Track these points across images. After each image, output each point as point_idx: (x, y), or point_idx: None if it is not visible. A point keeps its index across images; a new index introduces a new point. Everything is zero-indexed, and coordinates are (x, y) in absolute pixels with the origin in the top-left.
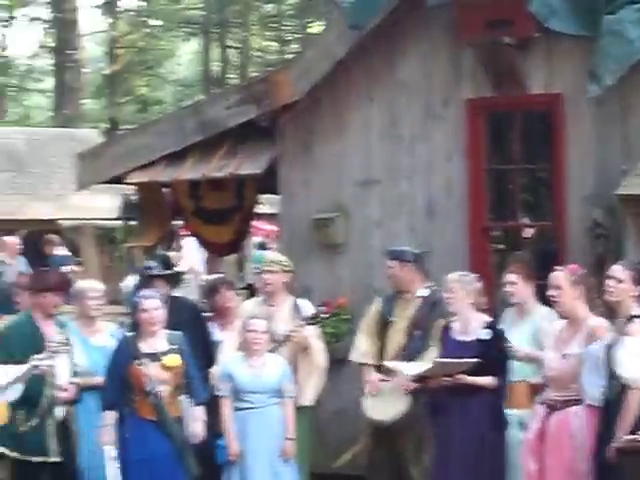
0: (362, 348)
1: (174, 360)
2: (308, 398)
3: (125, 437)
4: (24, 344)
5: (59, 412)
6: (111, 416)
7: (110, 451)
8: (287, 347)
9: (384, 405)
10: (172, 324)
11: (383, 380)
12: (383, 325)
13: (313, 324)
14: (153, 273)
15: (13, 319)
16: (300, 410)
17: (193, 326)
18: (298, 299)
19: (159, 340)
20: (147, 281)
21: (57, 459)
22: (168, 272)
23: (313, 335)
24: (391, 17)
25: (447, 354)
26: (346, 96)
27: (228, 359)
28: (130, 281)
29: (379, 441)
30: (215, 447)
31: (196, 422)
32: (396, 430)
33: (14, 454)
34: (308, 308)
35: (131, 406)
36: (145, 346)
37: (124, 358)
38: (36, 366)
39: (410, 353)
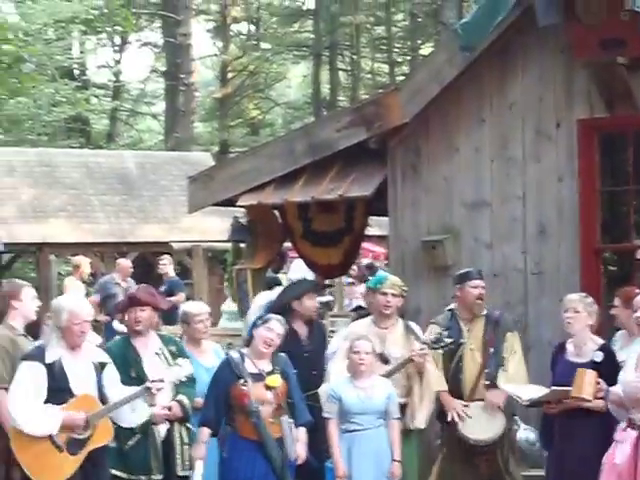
0: (434, 375)
1: (276, 380)
2: (421, 422)
3: (225, 457)
4: (124, 366)
5: (163, 430)
6: (206, 433)
7: (199, 467)
8: (402, 370)
9: (479, 425)
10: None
11: (465, 405)
12: (452, 350)
13: (435, 348)
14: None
15: (114, 341)
16: (411, 433)
17: (324, 348)
18: (409, 322)
19: (264, 361)
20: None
21: (159, 477)
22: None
23: (429, 359)
24: (502, 38)
25: (560, 375)
26: (456, 118)
27: (335, 381)
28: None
29: (462, 460)
30: (323, 469)
31: (299, 444)
32: (486, 449)
33: (123, 474)
34: (419, 331)
35: (232, 425)
36: (250, 366)
37: (228, 377)
38: (149, 388)
39: (491, 371)
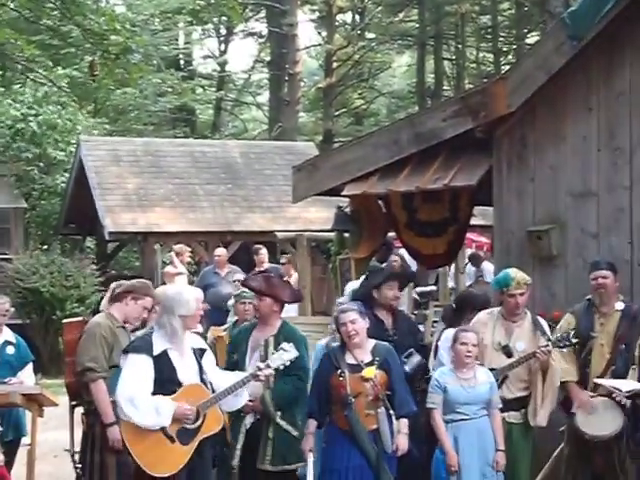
0: (563, 366)
1: (371, 372)
2: (542, 420)
3: (323, 446)
4: (241, 350)
5: (247, 421)
6: (313, 424)
7: (310, 458)
8: (524, 365)
9: (599, 420)
10: (396, 334)
11: (592, 396)
12: (582, 341)
13: (560, 347)
14: (395, 271)
15: (241, 327)
16: (530, 428)
17: (413, 338)
18: (537, 316)
19: (363, 351)
20: (388, 279)
21: (235, 463)
22: (406, 273)
23: (553, 357)
24: (610, 27)
25: None
26: (563, 107)
27: (438, 372)
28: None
29: (580, 453)
30: (431, 459)
31: (400, 435)
32: (602, 445)
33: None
34: (546, 327)
35: (331, 416)
36: (350, 357)
37: (328, 368)
38: (256, 375)
39: (618, 368)
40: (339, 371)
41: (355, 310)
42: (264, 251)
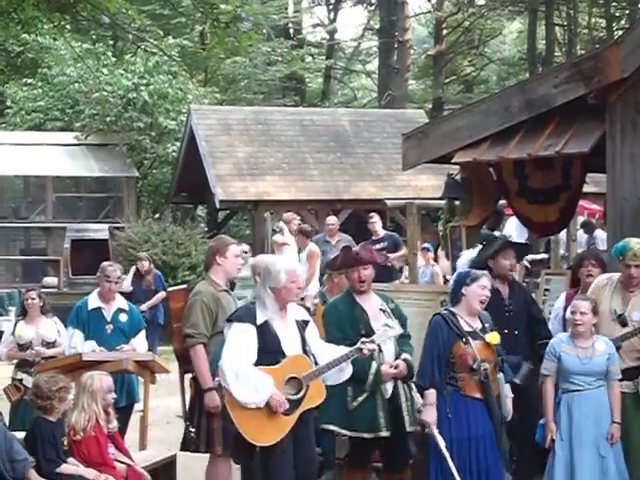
0: None
1: (495, 337)
2: None
3: (448, 416)
4: (344, 322)
5: (388, 388)
6: (434, 394)
7: (435, 431)
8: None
9: None
10: (512, 304)
11: None
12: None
13: None
14: (510, 240)
15: (338, 299)
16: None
17: (527, 308)
18: None
19: (474, 318)
20: (503, 248)
21: (387, 434)
22: (520, 242)
23: None
24: None
25: None
26: None
27: (556, 339)
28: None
29: None
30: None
31: (508, 399)
32: None
33: (347, 432)
34: None
35: (455, 385)
36: (464, 324)
37: (448, 336)
38: (360, 349)
39: None
40: (464, 339)
41: (487, 276)
42: (377, 219)
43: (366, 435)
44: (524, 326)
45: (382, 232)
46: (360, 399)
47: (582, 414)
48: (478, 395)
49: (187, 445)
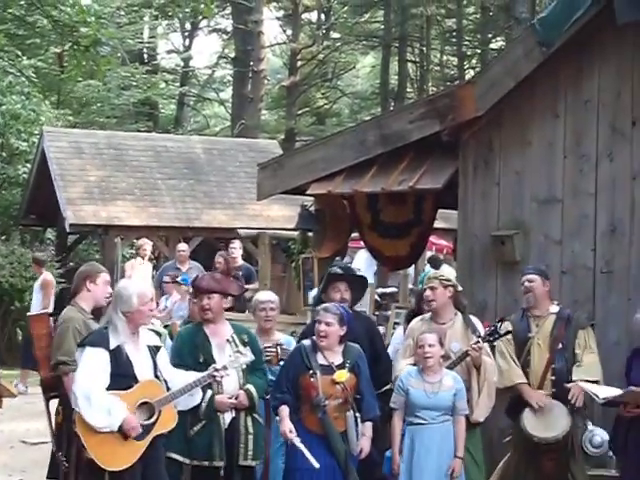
0: (511, 369)
1: (343, 375)
2: (479, 415)
3: (288, 446)
4: (192, 351)
5: (227, 418)
6: (286, 410)
7: (298, 441)
8: (460, 365)
9: (545, 423)
10: (350, 337)
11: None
12: (521, 344)
13: (490, 341)
14: (337, 272)
15: (186, 327)
16: (475, 426)
17: (368, 340)
18: (470, 315)
19: (335, 353)
20: (330, 282)
21: (220, 464)
22: (353, 274)
23: (486, 353)
24: (580, 34)
25: (638, 379)
26: (530, 113)
27: (405, 373)
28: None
29: (528, 459)
30: (383, 459)
31: (364, 438)
32: (550, 447)
33: (184, 459)
34: (479, 325)
35: (298, 415)
36: (321, 357)
37: (298, 366)
38: (212, 375)
39: (559, 367)
40: (311, 371)
41: (337, 314)
42: (238, 245)
43: (205, 463)
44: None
45: (240, 262)
46: (196, 428)
47: (424, 447)
48: (317, 429)
49: (54, 473)
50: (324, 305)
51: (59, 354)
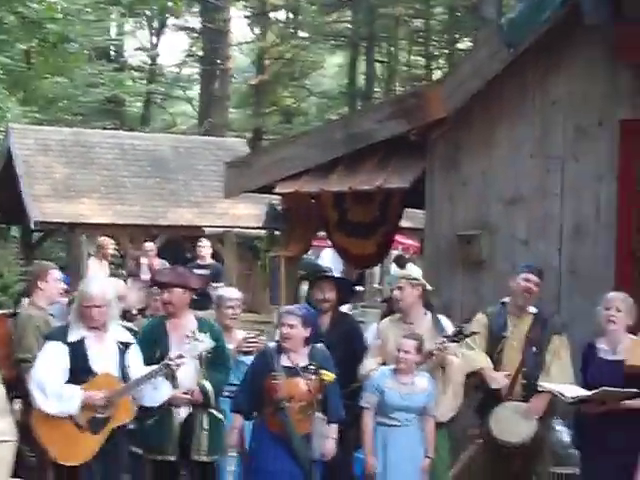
0: (476, 354)
1: (329, 375)
2: (443, 414)
3: (251, 446)
4: (150, 346)
5: (183, 413)
6: (239, 419)
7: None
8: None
9: (511, 427)
10: (330, 338)
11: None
12: (494, 341)
13: (455, 341)
14: (325, 274)
15: (149, 321)
16: (442, 425)
17: (349, 341)
18: (439, 315)
19: (300, 355)
20: (314, 282)
21: (173, 459)
22: (338, 277)
23: (451, 352)
24: (547, 35)
25: (598, 374)
26: (497, 113)
27: (379, 373)
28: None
29: (494, 457)
30: (353, 460)
31: (329, 440)
32: (515, 450)
33: (139, 451)
34: (448, 324)
35: (261, 417)
36: (285, 359)
37: (262, 369)
38: (168, 365)
39: (529, 369)
40: (273, 373)
41: (299, 316)
42: (206, 244)
43: (158, 457)
44: (345, 359)
45: (209, 260)
46: (150, 421)
47: (397, 448)
48: (278, 431)
49: (20, 472)
50: (286, 307)
51: (20, 352)
